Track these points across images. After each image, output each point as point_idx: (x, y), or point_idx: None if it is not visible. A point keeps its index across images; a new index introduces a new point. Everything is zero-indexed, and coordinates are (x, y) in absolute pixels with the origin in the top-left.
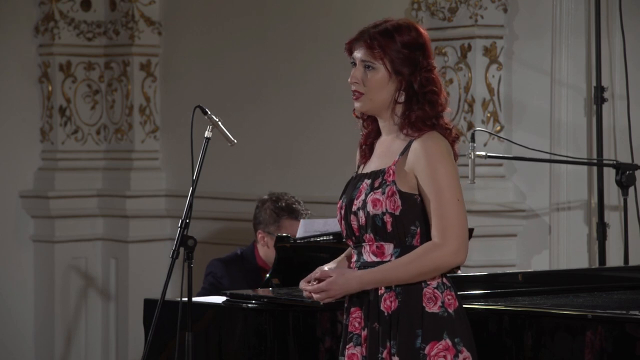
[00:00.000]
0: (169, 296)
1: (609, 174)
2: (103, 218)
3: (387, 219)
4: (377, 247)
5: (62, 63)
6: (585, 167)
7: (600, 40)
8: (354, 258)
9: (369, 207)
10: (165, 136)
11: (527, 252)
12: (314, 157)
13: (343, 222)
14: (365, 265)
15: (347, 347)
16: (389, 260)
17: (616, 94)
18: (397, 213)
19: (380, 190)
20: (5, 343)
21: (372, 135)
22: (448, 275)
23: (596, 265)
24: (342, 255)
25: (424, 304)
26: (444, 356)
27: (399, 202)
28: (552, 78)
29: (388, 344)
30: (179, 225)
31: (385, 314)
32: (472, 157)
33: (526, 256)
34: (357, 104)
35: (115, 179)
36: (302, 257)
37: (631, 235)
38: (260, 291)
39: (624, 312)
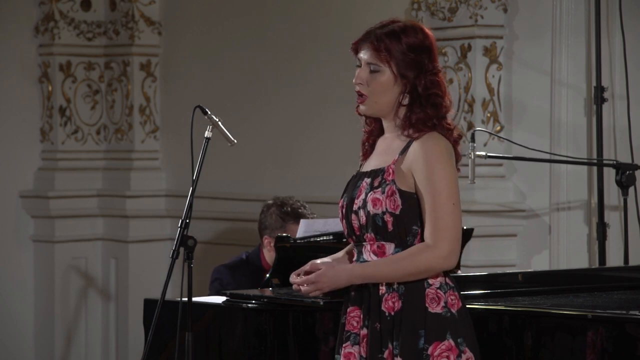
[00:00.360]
0: (169, 296)
1: (609, 174)
2: (103, 218)
3: (388, 218)
4: (377, 246)
5: (62, 63)
6: (585, 167)
7: (600, 40)
8: (355, 257)
9: (369, 207)
10: (165, 136)
11: (527, 252)
12: (314, 157)
13: (344, 221)
14: None
15: (344, 345)
16: None
17: (616, 94)
18: (397, 212)
19: (380, 189)
20: (5, 343)
21: (374, 133)
22: (451, 275)
23: (596, 265)
24: (342, 252)
25: (426, 305)
26: (447, 356)
27: (399, 202)
28: (552, 78)
29: (390, 344)
30: (179, 225)
31: (387, 314)
32: (472, 157)
33: (526, 256)
34: (361, 107)
35: (115, 179)
36: (302, 257)
37: (631, 235)
38: (260, 291)
39: (624, 312)
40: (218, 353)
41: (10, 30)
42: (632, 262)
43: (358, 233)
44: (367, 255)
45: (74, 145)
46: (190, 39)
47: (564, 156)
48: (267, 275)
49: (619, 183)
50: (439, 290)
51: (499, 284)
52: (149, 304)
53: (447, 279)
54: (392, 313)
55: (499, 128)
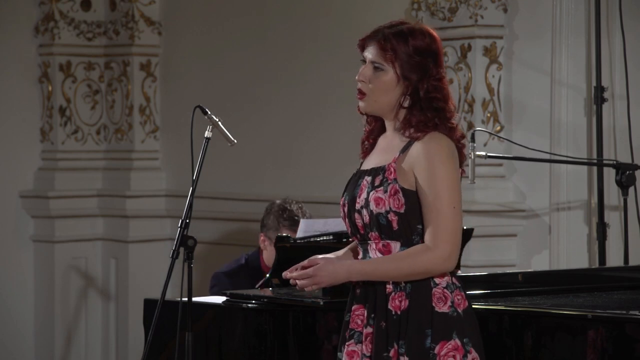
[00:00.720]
0: (169, 296)
1: (609, 174)
2: (103, 218)
3: (392, 217)
4: (383, 245)
5: (62, 63)
6: (585, 167)
7: (600, 40)
8: (360, 255)
9: (372, 206)
10: (165, 136)
11: (527, 252)
12: (314, 157)
13: (347, 220)
14: None
15: (347, 343)
16: None
17: (616, 94)
18: (401, 211)
19: (382, 188)
20: (5, 343)
21: (375, 132)
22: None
23: (596, 265)
24: (345, 249)
25: (433, 304)
26: (453, 356)
27: (403, 200)
28: (552, 78)
29: (396, 343)
30: (179, 225)
31: (394, 313)
32: (472, 157)
33: (526, 256)
34: (360, 104)
35: (115, 179)
36: (302, 257)
37: (631, 235)
38: (260, 291)
39: (624, 312)
40: (218, 353)
41: (10, 30)
42: (632, 262)
43: (362, 232)
44: (373, 253)
45: (74, 145)
46: (190, 39)
47: (564, 156)
48: (267, 275)
49: (619, 183)
50: (445, 290)
51: (499, 284)
52: (149, 304)
53: (453, 278)
54: (399, 312)
55: (499, 128)
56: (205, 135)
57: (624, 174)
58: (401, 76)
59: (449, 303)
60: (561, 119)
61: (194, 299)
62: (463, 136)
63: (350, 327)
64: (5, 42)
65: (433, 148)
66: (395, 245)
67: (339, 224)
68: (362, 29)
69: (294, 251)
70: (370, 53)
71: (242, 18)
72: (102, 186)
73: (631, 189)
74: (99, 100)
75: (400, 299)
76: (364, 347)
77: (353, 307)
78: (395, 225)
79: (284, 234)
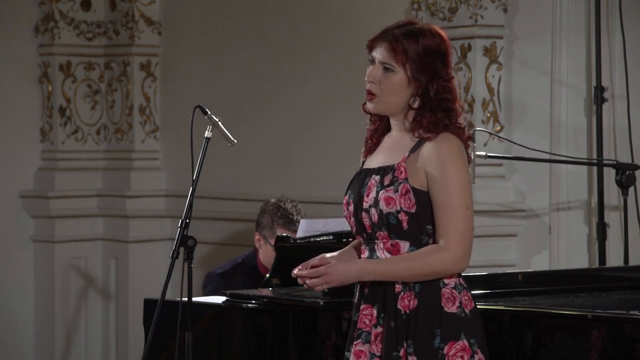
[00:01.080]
0: (169, 296)
1: (609, 174)
2: (103, 218)
3: (403, 217)
4: (392, 244)
5: (62, 63)
6: (585, 167)
7: (600, 40)
8: (366, 254)
9: (382, 205)
10: (165, 136)
11: (527, 252)
12: (314, 157)
13: (353, 218)
14: None
15: (354, 343)
16: None
17: (616, 94)
18: (412, 211)
19: (392, 187)
20: (5, 343)
21: (379, 131)
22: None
23: (596, 265)
24: (349, 246)
25: (442, 304)
26: (461, 356)
27: (414, 200)
28: (552, 78)
29: (405, 343)
30: (179, 225)
31: (403, 312)
32: (472, 157)
33: (526, 256)
34: (369, 105)
35: (115, 179)
36: (302, 257)
37: (631, 235)
38: (260, 291)
39: (624, 312)
40: (218, 353)
41: (10, 30)
42: (632, 262)
43: (369, 231)
44: (381, 253)
45: (74, 145)
46: (190, 39)
47: (564, 156)
48: (267, 275)
49: (619, 183)
50: (454, 290)
51: (499, 284)
52: (149, 304)
53: (460, 279)
54: (408, 311)
55: (499, 128)
56: (205, 135)
57: (624, 174)
58: (411, 77)
59: (457, 303)
60: (561, 119)
61: (194, 299)
62: (469, 137)
63: (358, 326)
64: (5, 42)
65: (445, 149)
66: (404, 245)
67: (339, 224)
68: (362, 29)
69: (294, 251)
70: (379, 54)
71: (242, 18)
72: (102, 186)
73: (631, 189)
74: (99, 100)
75: (409, 299)
76: (373, 347)
77: (361, 307)
78: (405, 225)
79: (284, 234)
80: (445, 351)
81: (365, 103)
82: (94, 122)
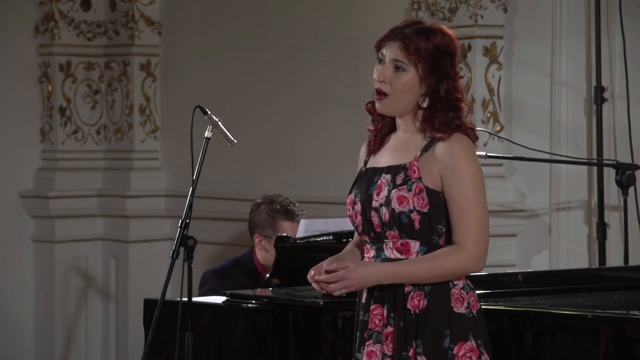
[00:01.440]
0: (169, 296)
1: (609, 174)
2: (103, 218)
3: (415, 216)
4: (401, 244)
5: (62, 63)
6: (585, 167)
7: (600, 40)
8: (371, 254)
9: (394, 204)
10: (165, 136)
11: (527, 252)
12: (314, 157)
13: (360, 217)
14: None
15: (366, 344)
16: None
17: (616, 94)
18: (425, 210)
19: (405, 187)
20: (5, 343)
21: (383, 131)
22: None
23: (596, 265)
24: (350, 247)
25: (452, 304)
26: (470, 357)
27: (427, 200)
28: (552, 78)
29: (414, 342)
30: (179, 225)
31: (412, 312)
32: None
33: (526, 256)
34: (379, 105)
35: (115, 179)
36: (302, 257)
37: (631, 235)
38: (260, 291)
39: (624, 312)
40: (218, 353)
41: (10, 30)
42: (632, 262)
43: (378, 230)
44: (390, 252)
45: (74, 145)
46: (190, 39)
47: (564, 156)
48: (267, 275)
49: (619, 183)
50: (462, 291)
51: (499, 284)
52: (149, 304)
53: (467, 280)
54: (417, 311)
55: (499, 128)
56: (205, 135)
57: (624, 174)
58: (422, 76)
59: (465, 304)
60: (561, 119)
61: (194, 299)
62: (477, 138)
63: (369, 327)
64: (5, 42)
65: (458, 149)
66: (415, 245)
67: (339, 224)
68: (362, 29)
69: (294, 251)
70: (391, 52)
71: (242, 18)
72: (102, 186)
73: (631, 189)
74: (99, 100)
75: (418, 299)
76: (384, 347)
77: (371, 307)
78: (417, 224)
79: (284, 234)
80: (455, 352)
81: (368, 103)
82: (94, 122)
